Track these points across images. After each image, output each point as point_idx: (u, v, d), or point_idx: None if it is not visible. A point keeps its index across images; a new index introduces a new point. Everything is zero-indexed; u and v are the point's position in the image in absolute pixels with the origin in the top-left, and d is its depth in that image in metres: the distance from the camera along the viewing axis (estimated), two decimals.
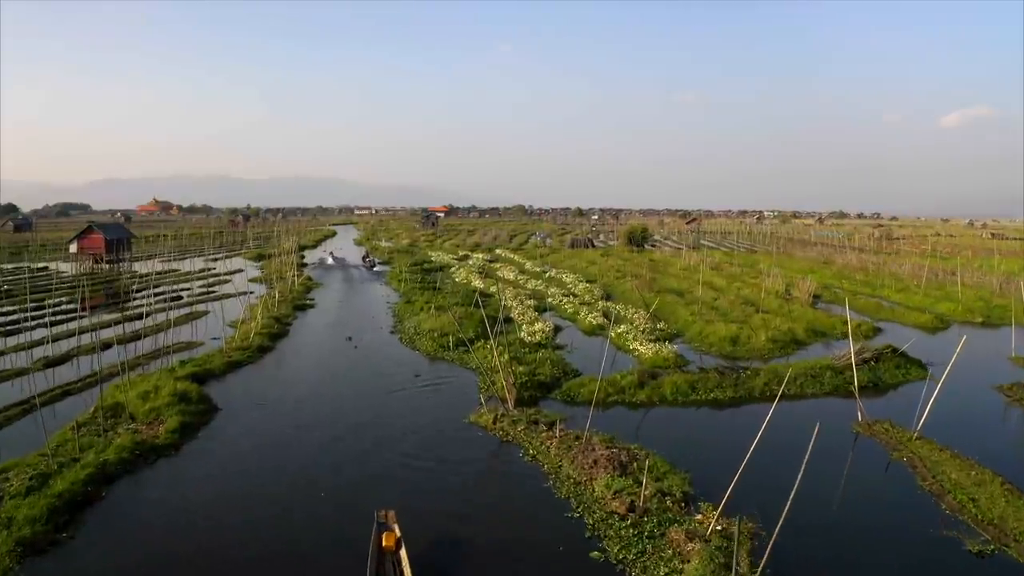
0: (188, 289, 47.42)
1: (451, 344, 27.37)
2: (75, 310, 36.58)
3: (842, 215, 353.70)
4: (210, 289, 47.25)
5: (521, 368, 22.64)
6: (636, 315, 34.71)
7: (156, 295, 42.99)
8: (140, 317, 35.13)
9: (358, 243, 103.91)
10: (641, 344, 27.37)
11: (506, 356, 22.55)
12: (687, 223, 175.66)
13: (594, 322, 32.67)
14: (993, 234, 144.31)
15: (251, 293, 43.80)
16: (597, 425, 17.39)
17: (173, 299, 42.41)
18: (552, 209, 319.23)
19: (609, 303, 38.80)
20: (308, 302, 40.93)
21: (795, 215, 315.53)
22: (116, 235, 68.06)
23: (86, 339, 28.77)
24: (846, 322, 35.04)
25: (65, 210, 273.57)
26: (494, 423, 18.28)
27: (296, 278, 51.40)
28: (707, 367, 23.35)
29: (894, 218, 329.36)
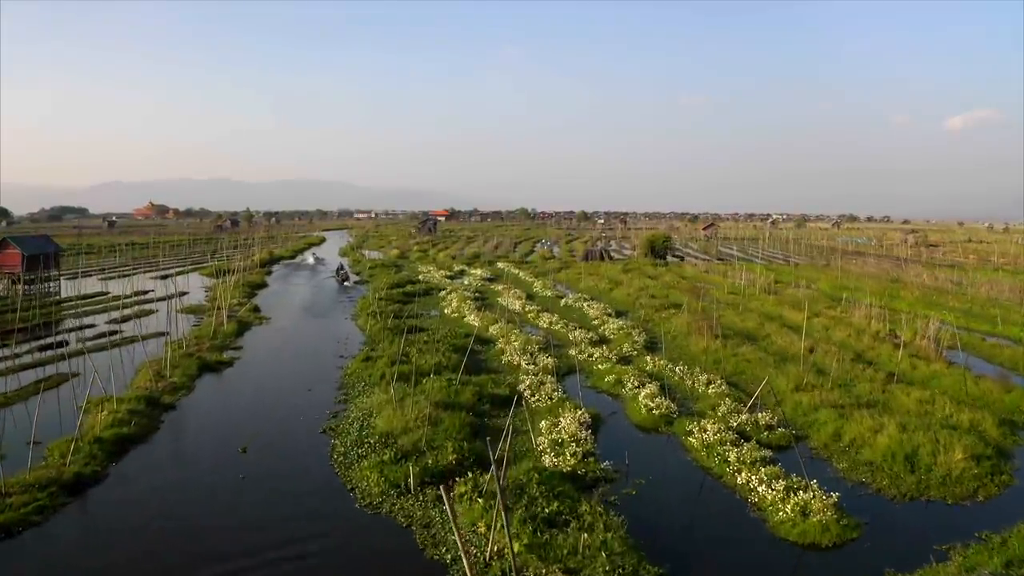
0: (91, 326, 35.55)
1: (412, 480, 15.16)
2: None
3: (852, 218, 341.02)
4: (118, 327, 35.20)
5: None
6: (711, 389, 22.58)
7: (32, 342, 31.16)
8: None
9: (343, 253, 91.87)
10: (756, 475, 15.21)
11: (515, 544, 10.56)
12: (704, 229, 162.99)
13: (653, 410, 20.41)
14: None
15: (165, 335, 31.43)
16: None
17: (53, 346, 30.56)
18: (556, 213, 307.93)
19: (659, 358, 26.46)
20: (225, 358, 28.39)
21: (804, 218, 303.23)
22: (38, 249, 55.89)
23: None
24: None
25: (60, 213, 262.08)
26: None
27: (238, 308, 39.47)
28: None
29: (906, 221, 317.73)
